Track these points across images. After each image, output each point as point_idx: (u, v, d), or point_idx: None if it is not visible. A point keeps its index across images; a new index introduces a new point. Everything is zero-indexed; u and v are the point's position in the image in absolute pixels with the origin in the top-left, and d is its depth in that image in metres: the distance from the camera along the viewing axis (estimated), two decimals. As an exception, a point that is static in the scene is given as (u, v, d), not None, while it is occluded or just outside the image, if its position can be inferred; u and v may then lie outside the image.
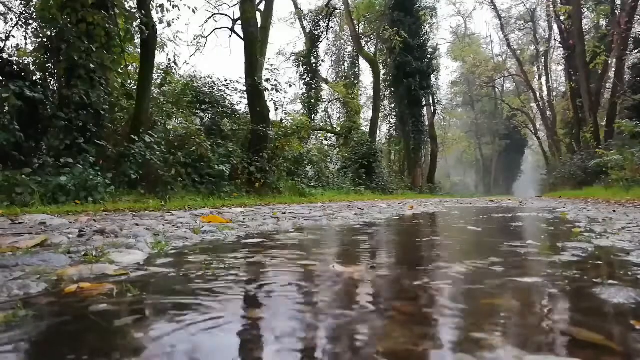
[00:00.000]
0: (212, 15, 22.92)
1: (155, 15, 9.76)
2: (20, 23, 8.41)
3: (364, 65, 31.13)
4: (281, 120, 16.90)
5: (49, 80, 8.30)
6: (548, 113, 36.10)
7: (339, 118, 30.42)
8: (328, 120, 30.74)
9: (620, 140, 16.38)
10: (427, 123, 29.97)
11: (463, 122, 57.21)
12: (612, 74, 23.21)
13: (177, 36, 22.19)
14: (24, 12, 8.48)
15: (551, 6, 28.51)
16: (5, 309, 1.01)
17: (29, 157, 7.01)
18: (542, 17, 36.09)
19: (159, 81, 13.29)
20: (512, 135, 51.55)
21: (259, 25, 14.64)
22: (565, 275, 1.44)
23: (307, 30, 28.80)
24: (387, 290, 1.30)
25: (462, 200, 15.59)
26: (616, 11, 21.75)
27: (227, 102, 14.60)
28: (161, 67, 13.69)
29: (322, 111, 30.07)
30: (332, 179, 19.08)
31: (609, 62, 22.44)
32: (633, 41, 19.79)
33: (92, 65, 7.91)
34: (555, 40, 33.84)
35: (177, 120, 11.85)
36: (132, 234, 2.55)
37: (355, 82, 30.06)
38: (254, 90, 12.74)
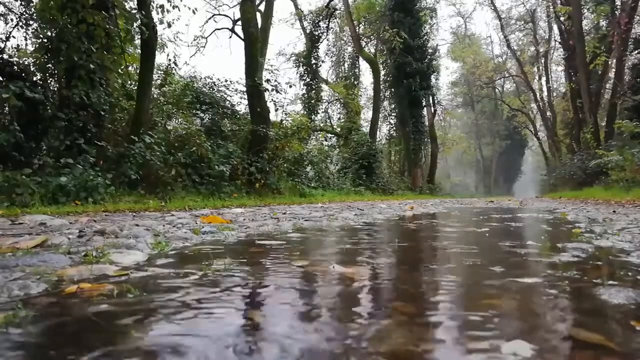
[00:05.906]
0: (212, 16, 23.00)
1: (155, 16, 9.79)
2: (21, 24, 8.41)
3: (364, 66, 31.21)
4: (281, 120, 16.89)
5: (49, 81, 8.30)
6: (548, 113, 36.10)
7: (339, 118, 30.44)
8: (328, 120, 30.75)
9: (620, 140, 16.40)
10: (427, 123, 30.00)
11: (463, 122, 57.22)
12: (612, 74, 23.22)
13: (177, 37, 22.11)
14: (24, 13, 8.48)
15: (551, 7, 28.53)
16: (5, 309, 1.01)
17: (29, 157, 7.00)
18: (542, 17, 36.12)
19: (159, 82, 13.29)
20: (512, 135, 51.58)
21: (259, 25, 14.67)
22: (565, 275, 1.44)
23: (307, 31, 28.83)
24: (386, 290, 1.30)
25: (462, 201, 15.59)
26: (616, 12, 21.74)
27: (227, 102, 14.58)
28: (161, 68, 13.70)
29: (322, 112, 30.13)
30: (332, 179, 19.09)
31: (609, 62, 22.46)
32: (633, 42, 19.79)
33: (92, 66, 7.92)
34: (555, 40, 33.89)
35: (177, 121, 11.87)
36: (132, 234, 2.54)
37: (355, 82, 30.08)
38: (254, 91, 12.75)
